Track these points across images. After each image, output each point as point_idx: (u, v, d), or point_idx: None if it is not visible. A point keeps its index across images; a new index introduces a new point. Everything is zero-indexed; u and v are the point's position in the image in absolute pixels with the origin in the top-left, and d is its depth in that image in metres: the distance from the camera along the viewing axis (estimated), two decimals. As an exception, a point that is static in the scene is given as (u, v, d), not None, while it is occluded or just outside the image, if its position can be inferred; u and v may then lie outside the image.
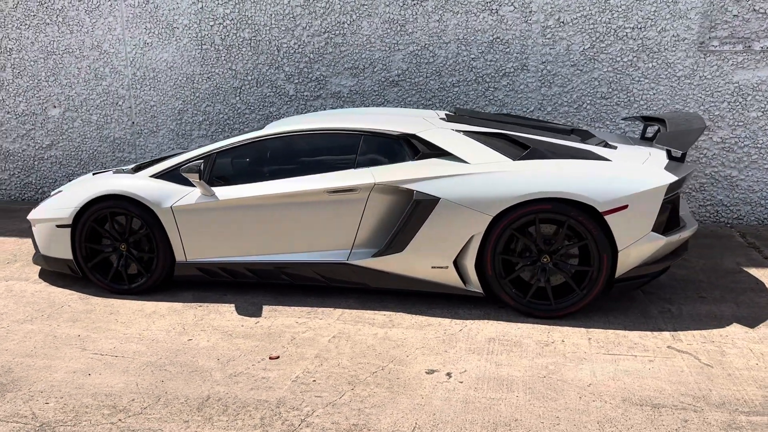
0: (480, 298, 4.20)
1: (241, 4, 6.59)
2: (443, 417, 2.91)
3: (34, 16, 7.12)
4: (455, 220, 3.96)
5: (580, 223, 3.81)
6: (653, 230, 3.82)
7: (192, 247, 4.39)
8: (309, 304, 4.27)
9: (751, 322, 3.85)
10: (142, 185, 4.41)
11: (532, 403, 3.00)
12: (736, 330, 3.76)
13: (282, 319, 4.04)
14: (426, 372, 3.33)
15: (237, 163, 4.51)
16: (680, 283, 4.53)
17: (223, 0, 6.62)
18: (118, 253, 4.51)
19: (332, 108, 6.62)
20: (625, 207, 3.78)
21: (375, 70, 6.47)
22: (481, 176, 3.96)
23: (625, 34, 5.95)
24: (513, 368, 3.35)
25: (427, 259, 4.06)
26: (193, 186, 4.37)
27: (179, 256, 4.42)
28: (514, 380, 3.22)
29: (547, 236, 3.95)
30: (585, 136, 4.58)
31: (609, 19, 5.94)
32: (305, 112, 6.66)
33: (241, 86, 6.81)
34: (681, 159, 4.12)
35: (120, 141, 7.24)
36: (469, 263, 4.01)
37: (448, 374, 3.30)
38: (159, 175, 4.50)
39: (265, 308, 4.22)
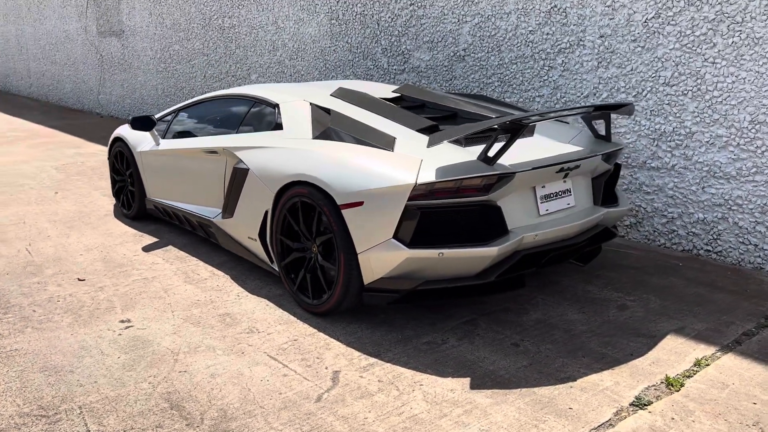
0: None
1: (355, -20, 6.92)
2: (42, 350, 3.21)
3: (245, -3, 8.71)
4: (257, 193, 3.89)
5: (326, 214, 3.35)
6: (396, 237, 3.11)
7: (149, 186, 5.24)
8: (197, 254, 4.69)
9: (482, 383, 2.84)
10: (131, 132, 5.43)
11: (116, 364, 3.03)
12: (456, 384, 2.84)
13: (151, 258, 4.59)
14: (120, 320, 3.56)
15: (184, 120, 5.12)
16: (553, 326, 3.43)
17: (344, -23, 7.06)
18: (126, 184, 5.66)
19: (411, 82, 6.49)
20: (361, 204, 3.18)
21: (446, 44, 6.08)
22: (277, 151, 3.78)
23: (698, -3, 4.33)
24: (171, 338, 3.32)
25: (245, 228, 4.07)
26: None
27: (147, 193, 5.33)
28: (150, 346, 3.23)
29: (311, 224, 3.56)
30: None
31: (681, -23, 4.39)
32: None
33: (353, 59, 7.18)
34: (488, 161, 3.13)
35: (284, 104, 8.39)
36: (268, 239, 3.89)
37: (129, 327, 3.48)
38: (145, 125, 5.44)
39: (167, 248, 4.81)
